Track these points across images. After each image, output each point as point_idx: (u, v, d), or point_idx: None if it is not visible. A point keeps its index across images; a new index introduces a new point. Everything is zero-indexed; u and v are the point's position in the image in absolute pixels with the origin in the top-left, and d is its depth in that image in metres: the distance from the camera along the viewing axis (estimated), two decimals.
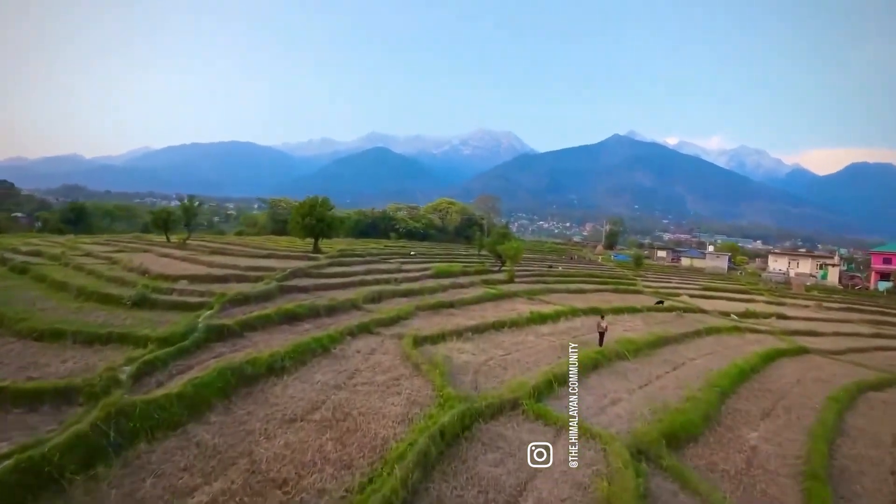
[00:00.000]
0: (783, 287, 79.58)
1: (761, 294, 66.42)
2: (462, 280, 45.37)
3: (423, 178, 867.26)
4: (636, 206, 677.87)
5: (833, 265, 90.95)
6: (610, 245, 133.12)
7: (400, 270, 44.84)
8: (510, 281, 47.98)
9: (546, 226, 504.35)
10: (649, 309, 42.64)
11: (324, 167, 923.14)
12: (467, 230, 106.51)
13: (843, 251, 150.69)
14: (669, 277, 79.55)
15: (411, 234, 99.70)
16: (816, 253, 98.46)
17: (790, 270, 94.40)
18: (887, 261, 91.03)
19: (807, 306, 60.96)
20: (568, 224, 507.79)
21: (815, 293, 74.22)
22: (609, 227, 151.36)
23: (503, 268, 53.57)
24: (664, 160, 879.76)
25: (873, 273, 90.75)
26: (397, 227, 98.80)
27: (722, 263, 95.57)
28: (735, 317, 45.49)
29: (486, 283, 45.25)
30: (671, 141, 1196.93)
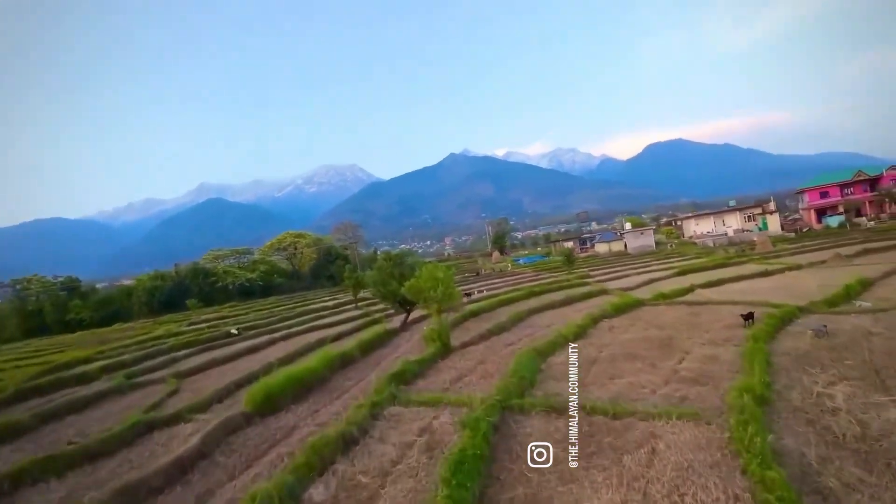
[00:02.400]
0: (746, 247, 62.64)
1: (744, 261, 48.45)
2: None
3: (269, 224, 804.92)
4: (483, 215, 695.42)
5: (770, 213, 76.39)
6: (501, 249, 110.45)
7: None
8: (442, 351, 19.30)
9: (408, 247, 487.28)
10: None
11: (150, 231, 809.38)
12: (329, 268, 74.94)
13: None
14: (615, 267, 58.10)
15: (247, 292, 65.51)
16: (739, 206, 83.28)
17: (726, 229, 79.15)
18: (824, 195, 79.66)
19: (823, 261, 41.06)
20: (428, 242, 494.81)
21: (787, 246, 57.70)
22: (494, 230, 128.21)
23: (426, 325, 24.32)
24: (498, 171, 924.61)
25: (811, 212, 78.55)
26: (219, 283, 63.79)
27: (648, 240, 76.48)
28: (861, 304, 21.80)
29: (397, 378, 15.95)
30: (500, 153, 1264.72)
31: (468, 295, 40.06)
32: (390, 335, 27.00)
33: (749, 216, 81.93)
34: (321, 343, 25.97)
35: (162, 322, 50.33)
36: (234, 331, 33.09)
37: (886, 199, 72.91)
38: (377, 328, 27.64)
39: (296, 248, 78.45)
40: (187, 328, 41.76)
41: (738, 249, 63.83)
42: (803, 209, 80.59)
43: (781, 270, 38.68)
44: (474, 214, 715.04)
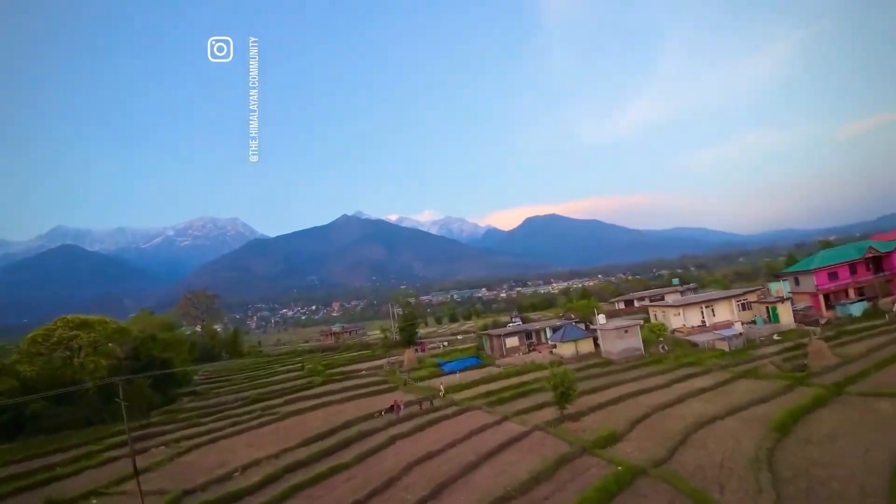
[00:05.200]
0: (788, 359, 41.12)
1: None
2: None
3: (132, 278, 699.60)
4: (374, 278, 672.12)
5: (782, 300, 56.60)
6: (410, 339, 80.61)
7: None
8: None
9: (290, 314, 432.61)
10: None
11: None
12: (135, 386, 40.37)
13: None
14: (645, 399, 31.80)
15: None
16: (725, 293, 63.00)
17: (704, 320, 58.37)
18: (833, 276, 61.96)
19: None
20: (314, 307, 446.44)
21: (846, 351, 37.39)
22: (401, 314, 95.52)
23: None
24: (390, 235, 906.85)
25: (819, 298, 60.16)
26: None
27: (634, 342, 52.22)
28: None
29: None
30: (392, 217, 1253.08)
31: None
32: None
33: (743, 304, 62.18)
34: None
35: None
36: None
37: None
38: None
39: (74, 345, 42.87)
40: None
41: (784, 361, 42.05)
42: (803, 293, 62.65)
43: None
44: (364, 277, 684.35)
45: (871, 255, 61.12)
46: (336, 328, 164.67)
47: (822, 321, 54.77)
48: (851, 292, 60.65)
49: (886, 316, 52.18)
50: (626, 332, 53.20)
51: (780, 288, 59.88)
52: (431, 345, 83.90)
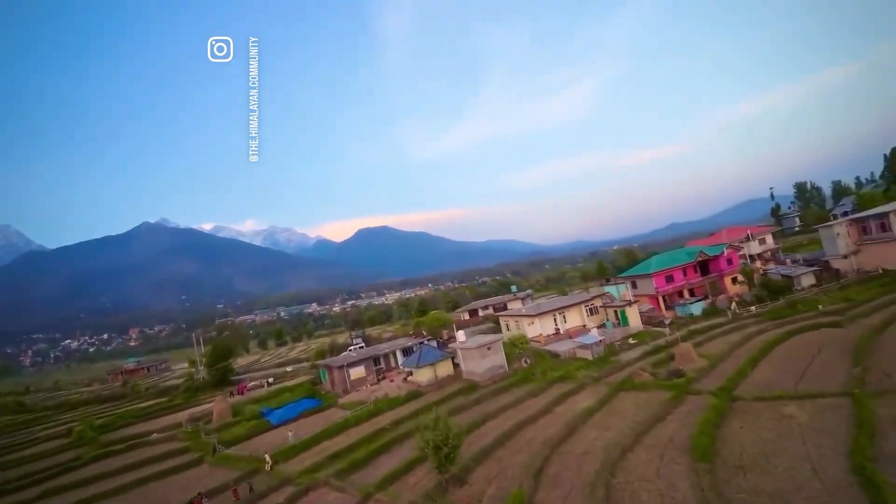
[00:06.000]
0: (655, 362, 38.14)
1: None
2: None
3: None
4: (185, 298, 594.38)
5: (630, 303, 55.46)
6: (223, 379, 62.63)
7: None
8: None
9: (76, 345, 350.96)
10: None
11: None
12: None
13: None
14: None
15: None
16: (576, 299, 60.59)
17: (558, 328, 55.03)
18: (670, 279, 63.53)
19: None
20: (105, 336, 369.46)
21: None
22: (212, 347, 73.57)
23: None
24: (205, 246, 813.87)
25: (658, 299, 61.11)
26: None
27: (498, 358, 44.90)
28: None
29: None
30: (207, 227, 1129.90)
31: None
32: None
33: (591, 309, 60.45)
34: None
35: None
36: None
37: (742, 278, 62.13)
38: None
39: None
40: None
41: (654, 367, 39.23)
42: (642, 295, 63.44)
43: None
44: (173, 296, 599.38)
45: (701, 258, 64.62)
46: (130, 364, 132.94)
47: (667, 321, 55.05)
48: (686, 293, 63.12)
49: (729, 313, 54.05)
50: (488, 349, 46.18)
51: (627, 291, 59.45)
52: (253, 382, 68.17)
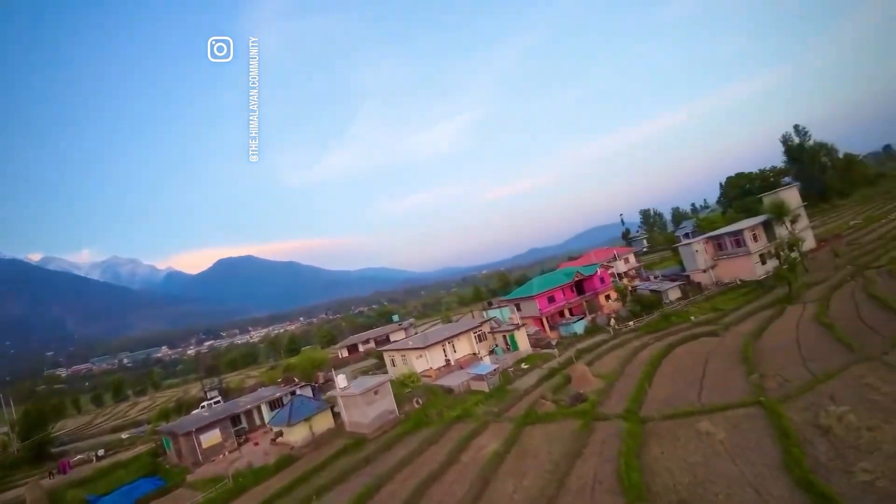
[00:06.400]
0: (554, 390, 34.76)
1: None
2: None
3: None
4: (7, 343, 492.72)
5: (518, 327, 52.64)
6: (40, 454, 47.20)
7: None
8: None
9: None
10: None
11: None
12: None
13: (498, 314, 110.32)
14: None
15: None
16: (464, 326, 56.45)
17: (448, 359, 50.32)
18: (552, 300, 61.82)
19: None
20: None
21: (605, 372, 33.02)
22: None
23: None
24: (32, 281, 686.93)
25: (542, 320, 59.41)
26: None
27: (386, 403, 38.01)
28: None
29: None
30: (35, 257, 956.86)
31: None
32: None
33: (480, 335, 56.95)
34: None
35: None
36: None
37: (616, 295, 63.06)
38: None
39: None
40: None
41: (555, 394, 36.24)
42: (526, 317, 61.63)
43: None
44: None
45: (578, 278, 64.97)
46: None
47: (554, 342, 53.43)
48: (567, 312, 62.70)
49: (610, 329, 53.80)
50: (375, 393, 39.55)
51: (515, 315, 57.00)
52: (79, 456, 53.11)
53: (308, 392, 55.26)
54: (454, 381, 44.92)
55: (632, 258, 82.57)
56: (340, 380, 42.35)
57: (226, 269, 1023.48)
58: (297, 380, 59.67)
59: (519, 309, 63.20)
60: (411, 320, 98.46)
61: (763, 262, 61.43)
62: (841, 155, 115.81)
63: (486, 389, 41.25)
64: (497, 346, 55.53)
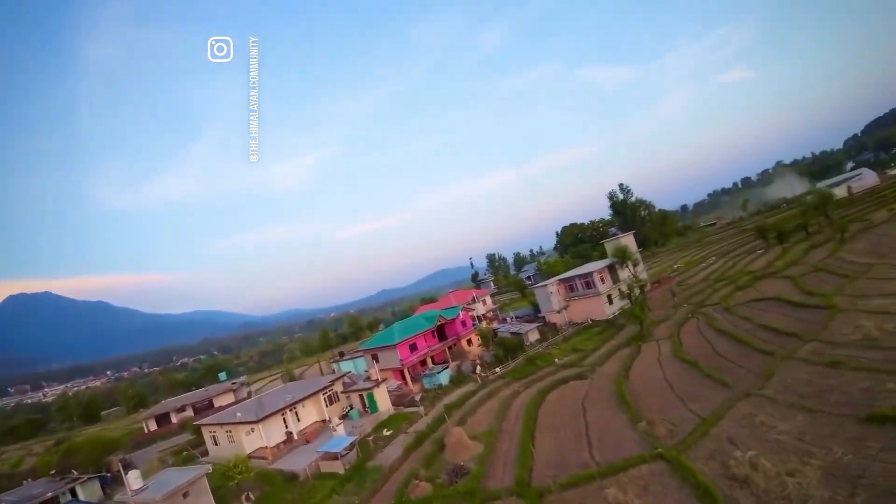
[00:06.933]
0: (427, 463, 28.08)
1: None
2: None
3: None
4: None
5: (377, 382, 44.01)
6: None
7: None
8: None
9: None
10: None
11: None
12: None
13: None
14: None
15: None
16: (310, 388, 46.29)
17: (290, 431, 40.00)
18: (413, 348, 54.92)
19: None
20: None
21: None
22: None
23: None
24: None
25: (404, 371, 51.70)
26: None
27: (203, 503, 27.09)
28: None
29: None
30: None
31: None
32: None
33: (329, 397, 47.58)
34: None
35: None
36: None
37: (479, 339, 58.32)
38: None
39: None
40: None
41: (427, 469, 29.67)
42: (385, 369, 53.81)
43: None
44: None
45: (440, 322, 59.71)
46: None
47: (419, 398, 46.61)
48: (430, 361, 56.64)
49: (478, 378, 48.61)
50: (185, 496, 28.15)
51: (374, 369, 48.93)
52: None
53: (94, 489, 40.35)
54: (299, 462, 35.20)
55: (489, 300, 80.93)
56: (133, 478, 29.81)
57: (17, 308, 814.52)
58: (74, 473, 43.31)
59: (377, 360, 55.50)
60: (243, 378, 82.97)
61: (611, 303, 63.32)
62: (657, 210, 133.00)
63: (342, 471, 32.50)
64: (352, 408, 46.77)
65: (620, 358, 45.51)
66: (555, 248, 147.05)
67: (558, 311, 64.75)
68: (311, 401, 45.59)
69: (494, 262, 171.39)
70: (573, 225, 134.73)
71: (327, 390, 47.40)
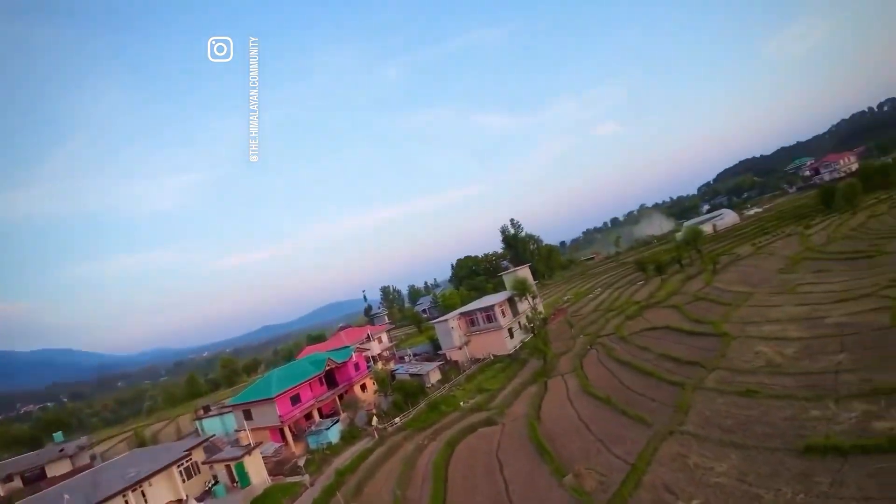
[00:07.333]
0: None
1: None
2: None
3: None
4: None
5: (249, 449, 35.21)
6: None
7: None
8: None
9: None
10: None
11: None
12: None
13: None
14: None
15: None
16: (161, 459, 36.34)
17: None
18: (296, 399, 46.34)
19: None
20: None
21: None
22: None
23: None
24: None
25: (285, 429, 42.87)
26: None
27: None
28: None
29: None
30: None
31: None
32: None
33: (187, 468, 38.03)
34: None
35: None
36: None
37: (375, 384, 51.18)
38: None
39: None
40: None
41: None
42: (261, 428, 44.83)
43: None
44: None
45: (329, 366, 52.09)
46: None
47: (302, 462, 38.90)
48: (316, 414, 48.71)
49: (375, 433, 41.83)
50: None
51: (245, 432, 40.13)
52: None
53: None
54: None
55: (384, 337, 74.70)
56: None
57: None
58: None
59: (250, 417, 46.57)
60: (83, 440, 66.18)
61: (512, 336, 61.01)
62: (544, 244, 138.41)
63: None
64: (217, 482, 37.62)
65: (529, 396, 42.39)
66: (450, 281, 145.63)
67: (459, 348, 60.86)
68: (164, 476, 35.87)
69: (389, 294, 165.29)
70: (468, 258, 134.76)
71: (184, 461, 37.86)
